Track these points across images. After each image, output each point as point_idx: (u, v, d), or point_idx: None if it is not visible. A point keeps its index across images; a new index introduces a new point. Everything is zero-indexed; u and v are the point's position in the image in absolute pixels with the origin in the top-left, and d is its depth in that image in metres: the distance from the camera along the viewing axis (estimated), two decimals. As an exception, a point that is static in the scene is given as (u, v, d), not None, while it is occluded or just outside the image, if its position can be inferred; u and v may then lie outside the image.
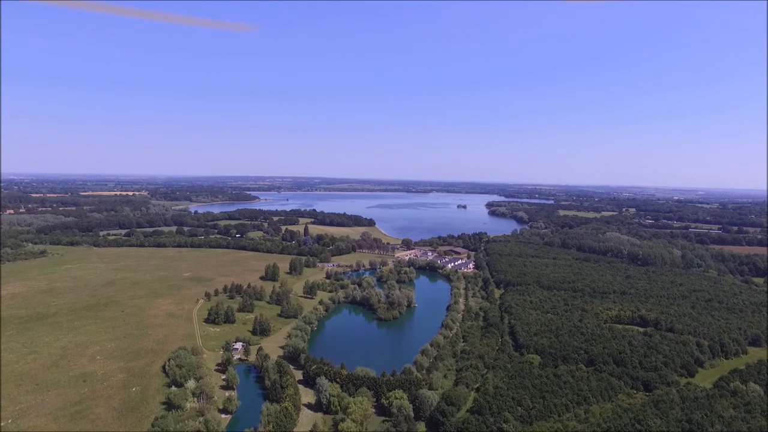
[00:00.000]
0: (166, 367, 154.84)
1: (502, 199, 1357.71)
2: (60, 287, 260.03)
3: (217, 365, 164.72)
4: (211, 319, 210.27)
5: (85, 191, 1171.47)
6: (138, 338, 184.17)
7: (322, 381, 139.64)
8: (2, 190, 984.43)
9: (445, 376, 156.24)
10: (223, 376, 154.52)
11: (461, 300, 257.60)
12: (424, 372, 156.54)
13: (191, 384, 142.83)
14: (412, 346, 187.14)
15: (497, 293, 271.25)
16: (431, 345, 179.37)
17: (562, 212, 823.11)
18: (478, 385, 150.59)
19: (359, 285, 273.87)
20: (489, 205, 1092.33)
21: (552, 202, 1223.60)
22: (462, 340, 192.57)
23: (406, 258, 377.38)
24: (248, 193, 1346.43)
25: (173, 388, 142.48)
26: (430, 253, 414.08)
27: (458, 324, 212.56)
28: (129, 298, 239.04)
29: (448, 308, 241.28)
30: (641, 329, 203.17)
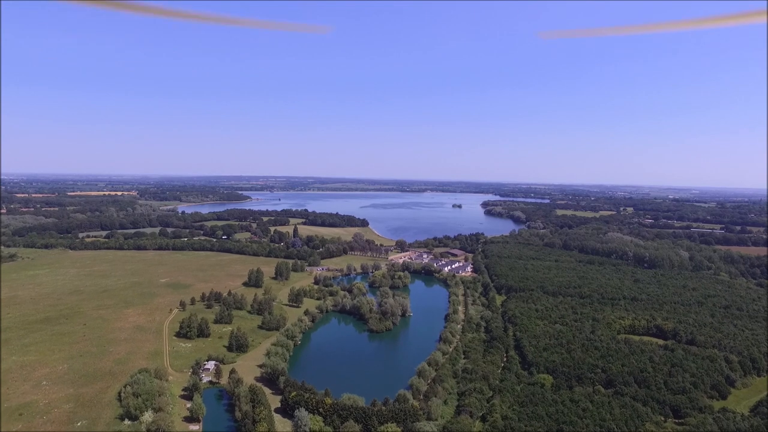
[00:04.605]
0: (122, 394, 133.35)
1: (498, 198, 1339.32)
2: (20, 296, 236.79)
3: (183, 390, 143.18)
4: (183, 332, 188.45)
5: (74, 191, 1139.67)
6: (96, 357, 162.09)
7: (302, 413, 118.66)
8: None
9: (445, 402, 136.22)
10: (189, 405, 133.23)
11: (460, 308, 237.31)
12: (421, 398, 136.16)
13: (148, 417, 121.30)
14: (407, 363, 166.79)
15: (499, 300, 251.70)
16: (429, 363, 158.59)
17: (559, 212, 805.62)
18: (483, 413, 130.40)
19: (350, 292, 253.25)
20: (485, 204, 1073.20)
21: (548, 201, 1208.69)
22: (463, 356, 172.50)
23: (400, 261, 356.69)
24: (240, 192, 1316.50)
25: (126, 421, 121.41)
26: (425, 255, 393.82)
27: (458, 337, 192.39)
28: (94, 309, 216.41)
29: (446, 318, 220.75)
30: (660, 342, 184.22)
